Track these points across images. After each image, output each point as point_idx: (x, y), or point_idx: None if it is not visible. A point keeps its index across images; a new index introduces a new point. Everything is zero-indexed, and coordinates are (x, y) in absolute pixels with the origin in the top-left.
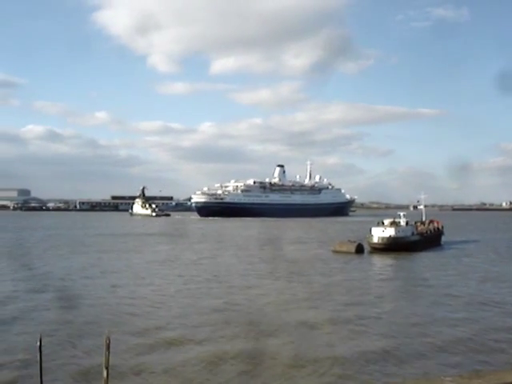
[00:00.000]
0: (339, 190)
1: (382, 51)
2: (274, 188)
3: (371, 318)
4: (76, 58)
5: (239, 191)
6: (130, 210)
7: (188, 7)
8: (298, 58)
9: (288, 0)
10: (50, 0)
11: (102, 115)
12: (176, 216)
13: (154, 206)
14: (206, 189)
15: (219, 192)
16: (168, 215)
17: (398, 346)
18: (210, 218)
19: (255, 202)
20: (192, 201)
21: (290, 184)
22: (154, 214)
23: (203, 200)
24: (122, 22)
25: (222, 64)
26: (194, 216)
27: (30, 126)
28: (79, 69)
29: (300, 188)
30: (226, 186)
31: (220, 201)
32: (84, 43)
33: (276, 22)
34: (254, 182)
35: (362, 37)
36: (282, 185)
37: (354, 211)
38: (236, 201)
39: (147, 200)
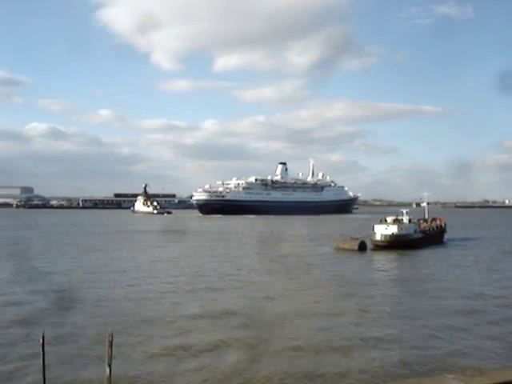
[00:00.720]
0: (342, 187)
1: (385, 48)
2: (275, 185)
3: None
4: (79, 55)
5: (241, 189)
6: (132, 208)
7: (191, 5)
8: (302, 55)
9: None
10: None
11: (105, 113)
12: (178, 214)
13: (155, 203)
14: (207, 186)
15: (220, 189)
16: (170, 213)
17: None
18: (212, 215)
19: (257, 199)
20: (193, 198)
21: (292, 181)
22: (155, 211)
23: (204, 197)
24: (125, 20)
25: (225, 61)
26: (196, 213)
27: (34, 124)
28: (82, 66)
29: (302, 185)
30: (228, 184)
31: (221, 198)
32: (87, 41)
33: (279, 19)
34: (256, 180)
35: (366, 34)
36: (284, 182)
37: (356, 208)
38: (237, 198)
39: (150, 198)
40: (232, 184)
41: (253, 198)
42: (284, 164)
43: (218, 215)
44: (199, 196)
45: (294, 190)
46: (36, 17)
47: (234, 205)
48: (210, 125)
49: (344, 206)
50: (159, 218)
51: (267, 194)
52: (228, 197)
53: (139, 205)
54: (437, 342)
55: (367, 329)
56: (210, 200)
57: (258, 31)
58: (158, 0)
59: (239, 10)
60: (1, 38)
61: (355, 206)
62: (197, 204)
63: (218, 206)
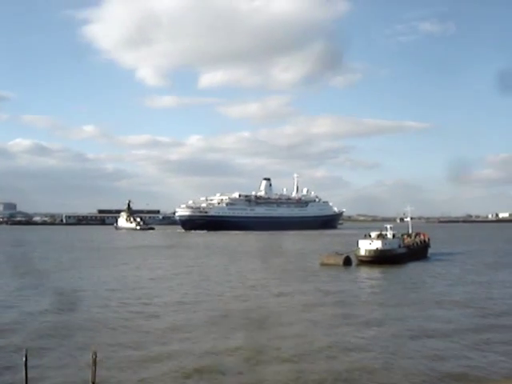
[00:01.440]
0: (327, 202)
1: (369, 65)
2: (259, 201)
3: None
4: (65, 71)
5: (224, 204)
6: (115, 224)
7: (176, 21)
8: (287, 71)
9: (276, 14)
10: (40, 14)
11: (89, 129)
12: (161, 230)
13: (138, 219)
14: (190, 202)
15: (204, 205)
16: (152, 229)
17: None
18: (195, 231)
19: (240, 215)
20: (176, 214)
21: (277, 197)
22: (138, 227)
23: (187, 213)
24: (110, 36)
25: (210, 78)
26: (179, 229)
27: (18, 140)
28: (68, 82)
29: (286, 201)
30: (211, 200)
31: (204, 214)
32: (73, 57)
33: (264, 36)
34: (240, 196)
35: (350, 51)
36: (268, 198)
37: (341, 224)
38: (221, 214)
39: (134, 214)
40: (215, 200)
41: (236, 214)
42: (268, 180)
43: (202, 231)
44: (182, 212)
45: (278, 206)
46: (22, 33)
47: (217, 221)
48: (194, 140)
49: (329, 221)
50: (142, 235)
51: (251, 209)
52: (211, 213)
53: (122, 221)
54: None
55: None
56: (193, 216)
57: (243, 47)
58: (143, 17)
59: (224, 26)
60: None
61: (340, 222)
62: (180, 220)
63: (201, 222)
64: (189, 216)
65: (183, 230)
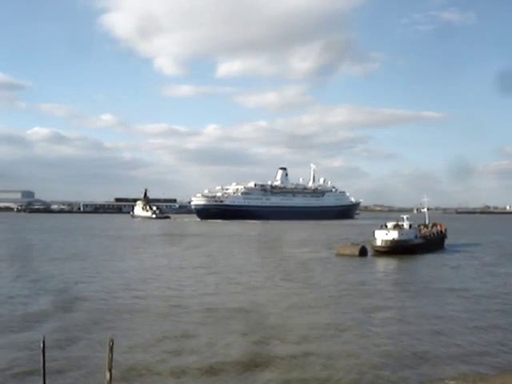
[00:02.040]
0: (343, 192)
1: (387, 54)
2: (275, 191)
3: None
4: (82, 60)
5: (239, 194)
6: (132, 212)
7: (195, 10)
8: (304, 61)
9: (295, 3)
10: (58, 2)
11: (107, 117)
12: (177, 219)
13: (154, 208)
14: (206, 191)
15: (219, 194)
16: (168, 217)
17: None
18: (210, 220)
19: (256, 204)
20: (192, 203)
21: (292, 187)
22: (154, 216)
23: (203, 202)
24: (128, 25)
25: (228, 67)
26: (195, 218)
27: (36, 129)
28: (85, 71)
29: (302, 191)
30: (227, 189)
31: (220, 203)
32: (91, 45)
33: (283, 25)
34: (255, 185)
35: (369, 40)
36: (284, 187)
37: (357, 214)
38: (236, 203)
39: (150, 202)
40: (231, 189)
41: (252, 203)
42: (284, 169)
43: (217, 220)
44: (197, 201)
45: (293, 196)
46: (39, 21)
47: (232, 210)
48: (211, 130)
49: (345, 211)
50: (157, 223)
51: (266, 199)
52: (227, 202)
53: (138, 209)
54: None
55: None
56: (209, 205)
57: (261, 37)
58: (161, 5)
59: (242, 15)
60: (4, 42)
61: (357, 212)
62: (195, 209)
63: (216, 211)
64: (204, 205)
65: (199, 219)
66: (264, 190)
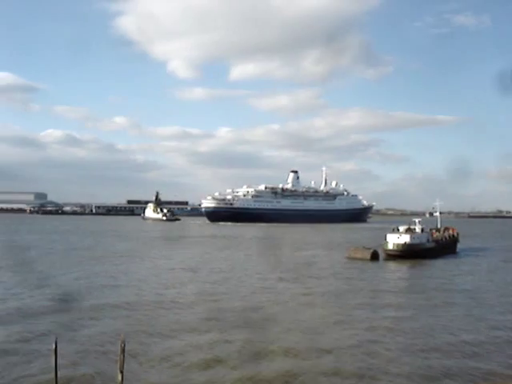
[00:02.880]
0: (355, 196)
1: (400, 58)
2: (285, 194)
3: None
4: (97, 62)
5: (250, 196)
6: (143, 214)
7: (208, 14)
8: (318, 64)
9: (309, 7)
10: (75, 6)
11: (120, 120)
12: (187, 221)
13: (165, 210)
14: (216, 194)
15: (229, 197)
16: (178, 219)
17: None
18: (220, 223)
19: (266, 207)
20: (202, 206)
21: (303, 190)
22: (164, 218)
23: (213, 205)
24: (143, 28)
25: (241, 70)
26: (205, 221)
27: (50, 131)
28: (100, 74)
29: (314, 194)
30: (237, 192)
31: (230, 206)
32: (105, 48)
33: (296, 28)
34: (266, 188)
35: (382, 43)
36: (295, 190)
37: (369, 217)
38: (246, 206)
39: (162, 204)
40: (241, 192)
41: (262, 206)
42: (295, 172)
43: (227, 223)
44: (208, 203)
45: (305, 199)
46: (54, 23)
47: (242, 212)
48: (224, 133)
49: (358, 214)
50: (168, 225)
51: (277, 202)
52: (237, 204)
53: (149, 211)
54: None
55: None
56: (219, 207)
57: (274, 40)
58: (175, 9)
59: (256, 18)
60: (20, 45)
61: (369, 215)
62: (205, 211)
63: (226, 214)
64: (214, 208)
65: (209, 222)
66: (275, 192)
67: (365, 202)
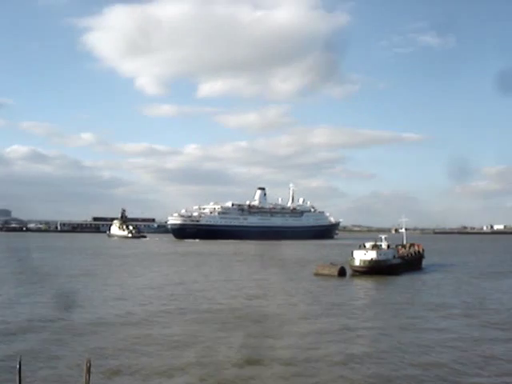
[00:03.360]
0: (322, 212)
1: (368, 76)
2: (252, 210)
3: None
4: (64, 79)
5: (216, 213)
6: (108, 232)
7: (176, 31)
8: (286, 82)
9: (277, 25)
10: (42, 21)
11: (87, 136)
12: (155, 238)
13: (130, 227)
14: (183, 211)
15: (195, 214)
16: (144, 237)
17: None
18: (186, 240)
19: (233, 224)
20: (168, 223)
21: (271, 206)
22: (130, 235)
23: (179, 222)
24: (111, 44)
25: (209, 87)
26: (171, 238)
27: (15, 147)
28: (66, 90)
29: (281, 211)
30: (204, 208)
31: (196, 223)
32: (73, 64)
33: (265, 46)
34: (233, 205)
35: (350, 62)
36: (262, 207)
37: (336, 234)
38: (212, 223)
39: (128, 221)
40: (208, 208)
41: (229, 223)
42: (263, 189)
43: (194, 240)
44: (174, 220)
45: (271, 215)
46: (22, 39)
47: (209, 230)
48: (191, 149)
49: (325, 231)
50: (133, 242)
51: (244, 218)
52: (203, 221)
53: (115, 229)
54: None
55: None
56: (185, 224)
57: (243, 57)
58: (143, 25)
59: (225, 36)
60: None
61: (336, 232)
62: (171, 228)
63: (192, 231)
64: (180, 224)
65: (175, 239)
66: (241, 209)
67: (332, 219)
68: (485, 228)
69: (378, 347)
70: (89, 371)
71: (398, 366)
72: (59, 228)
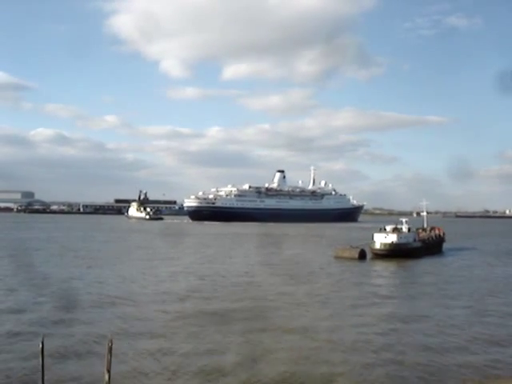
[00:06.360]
0: (344, 195)
1: (392, 58)
2: (270, 193)
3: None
4: (89, 61)
5: (232, 196)
6: (126, 213)
7: (202, 13)
8: (311, 64)
9: (303, 8)
10: (69, 4)
11: (111, 119)
12: (174, 220)
13: (148, 209)
14: (200, 193)
15: (211, 196)
16: (161, 219)
17: None
18: (202, 222)
19: (249, 206)
20: (184, 205)
21: (289, 189)
22: (147, 217)
23: (195, 204)
24: (135, 27)
25: (233, 70)
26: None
27: (40, 129)
28: (92, 72)
29: (300, 193)
30: (221, 191)
31: (211, 205)
32: (98, 47)
33: (290, 29)
34: (250, 187)
35: (374, 44)
36: (280, 190)
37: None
38: (228, 205)
39: (149, 203)
40: (224, 191)
41: (245, 205)
42: (282, 172)
43: (212, 222)
44: (190, 202)
45: (290, 198)
46: (47, 22)
47: (224, 212)
48: (214, 132)
49: (347, 214)
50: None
51: (261, 201)
52: (218, 204)
53: (133, 210)
54: None
55: None
56: (201, 206)
57: (267, 40)
58: (168, 8)
59: (249, 19)
60: (10, 44)
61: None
62: (187, 210)
63: (208, 213)
64: (196, 207)
65: (191, 221)
66: (258, 192)
67: (354, 202)
68: (507, 212)
69: None
70: (110, 351)
71: None
72: (81, 210)
